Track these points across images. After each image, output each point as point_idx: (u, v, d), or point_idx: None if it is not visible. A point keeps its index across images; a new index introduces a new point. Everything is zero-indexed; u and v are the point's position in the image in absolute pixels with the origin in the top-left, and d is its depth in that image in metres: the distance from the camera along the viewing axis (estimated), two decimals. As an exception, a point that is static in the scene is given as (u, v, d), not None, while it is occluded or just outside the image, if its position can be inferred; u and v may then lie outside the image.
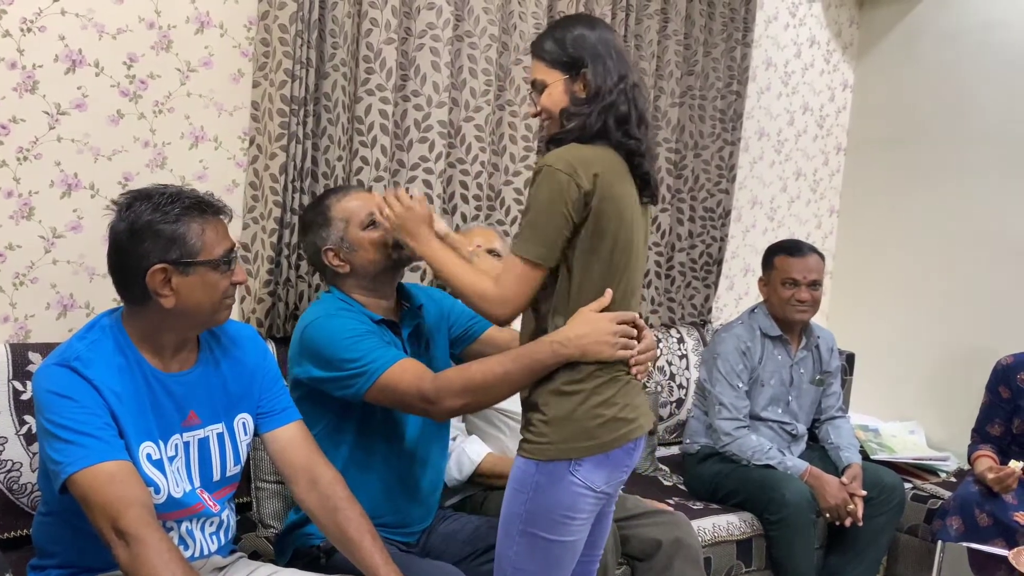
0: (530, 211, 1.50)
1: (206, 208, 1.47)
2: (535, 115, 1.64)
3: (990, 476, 2.50)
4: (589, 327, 1.51)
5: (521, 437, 1.57)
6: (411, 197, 1.71)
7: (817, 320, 3.85)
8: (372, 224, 1.83)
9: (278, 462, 1.64)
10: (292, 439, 1.63)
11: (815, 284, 2.72)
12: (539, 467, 1.51)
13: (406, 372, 1.67)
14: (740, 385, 2.68)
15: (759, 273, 2.86)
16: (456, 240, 1.82)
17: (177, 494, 1.48)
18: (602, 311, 1.54)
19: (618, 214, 1.51)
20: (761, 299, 2.85)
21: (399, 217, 1.68)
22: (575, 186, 1.46)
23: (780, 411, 2.76)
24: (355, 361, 1.69)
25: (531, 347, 1.55)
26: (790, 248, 2.78)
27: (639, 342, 1.61)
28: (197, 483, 1.54)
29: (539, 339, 1.55)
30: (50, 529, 1.52)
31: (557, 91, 1.57)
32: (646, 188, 1.60)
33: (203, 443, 1.55)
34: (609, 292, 1.52)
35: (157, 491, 1.44)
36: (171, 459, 1.49)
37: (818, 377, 2.83)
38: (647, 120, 1.61)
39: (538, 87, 1.61)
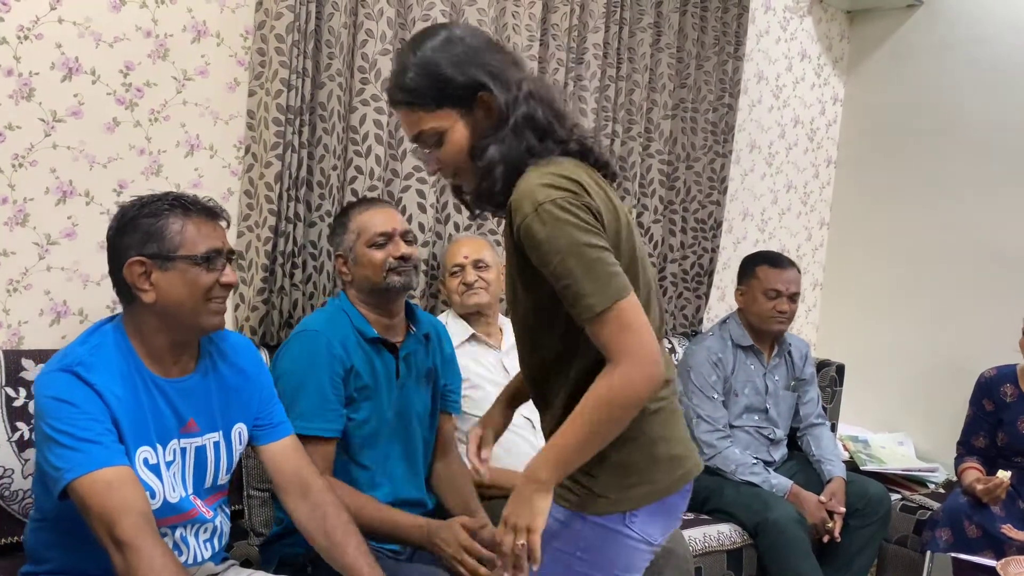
0: (562, 263, 1.18)
1: (190, 206, 1.49)
2: (435, 172, 1.33)
3: (979, 487, 2.51)
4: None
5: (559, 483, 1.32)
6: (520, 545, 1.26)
7: (807, 331, 3.88)
8: (379, 245, 1.86)
9: (272, 472, 1.65)
10: (285, 450, 1.65)
11: (795, 296, 2.75)
12: (587, 522, 1.31)
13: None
14: (715, 396, 2.69)
15: (749, 284, 2.88)
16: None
17: (173, 499, 1.49)
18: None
19: (612, 211, 1.29)
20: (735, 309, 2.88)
21: (512, 528, 1.27)
22: (579, 202, 1.20)
23: (756, 417, 2.77)
24: (283, 397, 1.75)
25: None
26: (772, 259, 2.79)
27: None
28: (190, 489, 1.54)
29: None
30: (44, 535, 1.52)
31: (458, 134, 1.26)
32: (605, 170, 1.37)
33: (200, 451, 1.55)
34: None
35: (153, 496, 1.44)
36: (168, 464, 1.50)
37: (793, 383, 2.85)
38: (563, 111, 1.30)
39: (429, 140, 1.28)
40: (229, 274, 1.50)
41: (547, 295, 1.26)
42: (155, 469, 1.47)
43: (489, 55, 1.26)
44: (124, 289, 1.47)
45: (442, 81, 1.24)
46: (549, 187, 1.20)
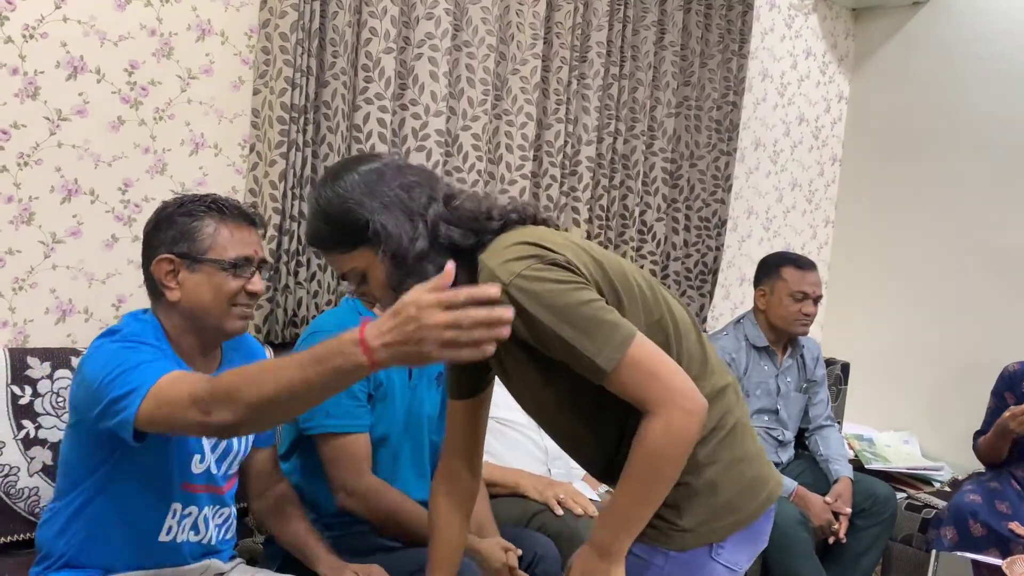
0: (555, 334, 1.14)
1: (227, 210, 1.49)
2: (371, 306, 1.35)
3: (1007, 415, 2.53)
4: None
5: None
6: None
7: (812, 329, 3.88)
8: None
9: (252, 473, 1.71)
10: (267, 458, 1.74)
11: (819, 299, 2.71)
12: (671, 559, 1.23)
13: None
14: None
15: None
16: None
17: (213, 470, 1.54)
18: None
19: (578, 250, 1.23)
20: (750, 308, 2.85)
21: None
22: (545, 263, 1.16)
23: (767, 418, 2.76)
24: None
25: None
26: (798, 261, 2.73)
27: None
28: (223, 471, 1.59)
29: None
30: (59, 529, 1.52)
31: (378, 272, 1.24)
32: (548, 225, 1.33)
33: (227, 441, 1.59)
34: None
35: (202, 458, 1.50)
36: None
37: (804, 385, 2.84)
38: (488, 207, 1.25)
39: (355, 278, 1.29)
40: (256, 282, 1.50)
41: (571, 374, 1.19)
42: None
43: (392, 187, 1.23)
44: (152, 285, 1.49)
45: (348, 225, 1.23)
46: (510, 262, 1.16)
